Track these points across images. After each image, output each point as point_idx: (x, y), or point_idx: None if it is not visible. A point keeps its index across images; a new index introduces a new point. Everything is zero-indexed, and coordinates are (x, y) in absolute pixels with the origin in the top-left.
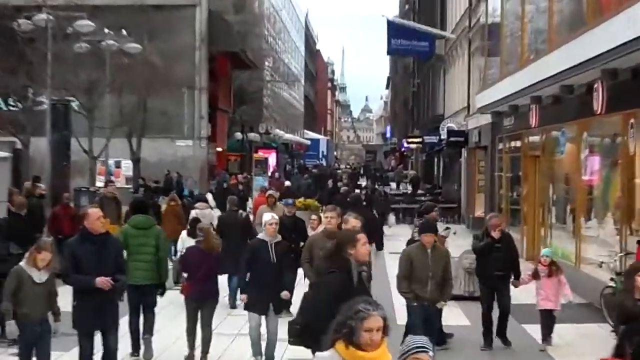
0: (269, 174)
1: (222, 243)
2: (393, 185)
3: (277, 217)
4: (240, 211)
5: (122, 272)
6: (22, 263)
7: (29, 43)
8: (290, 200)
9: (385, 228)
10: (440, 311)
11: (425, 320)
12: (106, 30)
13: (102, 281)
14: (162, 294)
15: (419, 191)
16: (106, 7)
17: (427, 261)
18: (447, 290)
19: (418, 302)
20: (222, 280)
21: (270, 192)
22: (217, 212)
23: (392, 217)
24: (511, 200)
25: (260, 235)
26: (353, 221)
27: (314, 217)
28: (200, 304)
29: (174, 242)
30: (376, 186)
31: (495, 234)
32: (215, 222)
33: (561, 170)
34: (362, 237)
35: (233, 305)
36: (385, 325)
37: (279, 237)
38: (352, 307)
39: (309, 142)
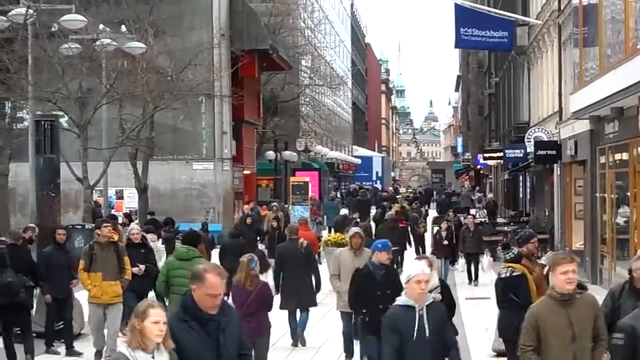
0: (307, 202)
1: (282, 277)
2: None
3: (428, 271)
4: (301, 240)
5: None
6: (121, 347)
7: (5, 44)
8: (381, 243)
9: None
10: None
11: None
12: (101, 27)
13: None
14: None
15: (499, 219)
16: None
17: None
18: None
19: None
20: (283, 316)
21: (356, 230)
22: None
23: (485, 258)
24: (617, 228)
25: (401, 300)
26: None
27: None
28: (250, 341)
29: None
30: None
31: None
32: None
33: None
34: None
35: (295, 344)
36: None
37: (430, 298)
38: None
39: (359, 161)
